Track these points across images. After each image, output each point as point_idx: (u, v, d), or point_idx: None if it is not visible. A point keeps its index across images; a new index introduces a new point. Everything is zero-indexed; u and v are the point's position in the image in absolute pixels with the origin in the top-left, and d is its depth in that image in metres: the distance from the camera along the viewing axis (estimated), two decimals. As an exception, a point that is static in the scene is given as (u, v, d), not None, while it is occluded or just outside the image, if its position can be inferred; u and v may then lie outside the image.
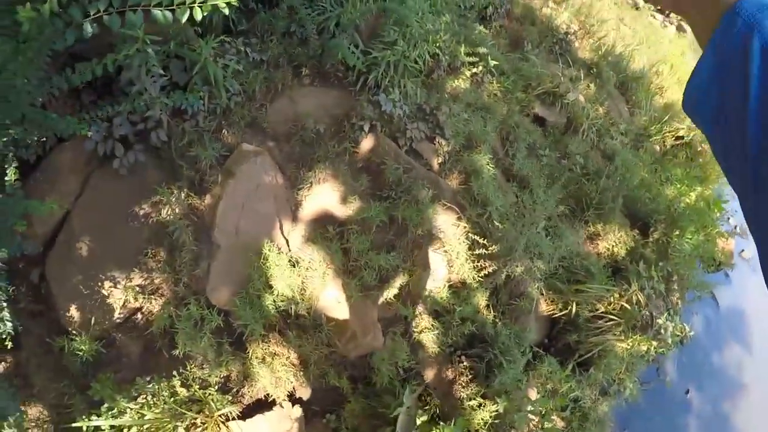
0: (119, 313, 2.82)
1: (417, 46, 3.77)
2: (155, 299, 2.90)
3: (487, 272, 3.37)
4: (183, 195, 2.96)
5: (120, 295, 2.79)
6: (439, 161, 3.67)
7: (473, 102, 4.18)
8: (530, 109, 4.77)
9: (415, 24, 3.84)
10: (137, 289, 2.84)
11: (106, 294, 2.78)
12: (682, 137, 6.44)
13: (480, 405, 3.10)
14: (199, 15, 2.09)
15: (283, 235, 3.22)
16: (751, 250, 7.73)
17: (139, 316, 2.95)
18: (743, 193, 0.62)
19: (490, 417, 3.01)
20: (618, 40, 7.14)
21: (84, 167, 2.92)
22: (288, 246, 3.20)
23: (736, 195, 0.65)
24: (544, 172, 4.31)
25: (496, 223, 3.46)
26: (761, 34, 0.57)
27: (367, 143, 3.45)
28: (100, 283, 2.79)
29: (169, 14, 2.10)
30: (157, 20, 2.08)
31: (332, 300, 3.10)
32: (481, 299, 3.40)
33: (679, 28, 8.80)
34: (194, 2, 2.09)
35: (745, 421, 5.65)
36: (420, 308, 3.30)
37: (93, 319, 2.74)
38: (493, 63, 4.42)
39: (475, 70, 4.44)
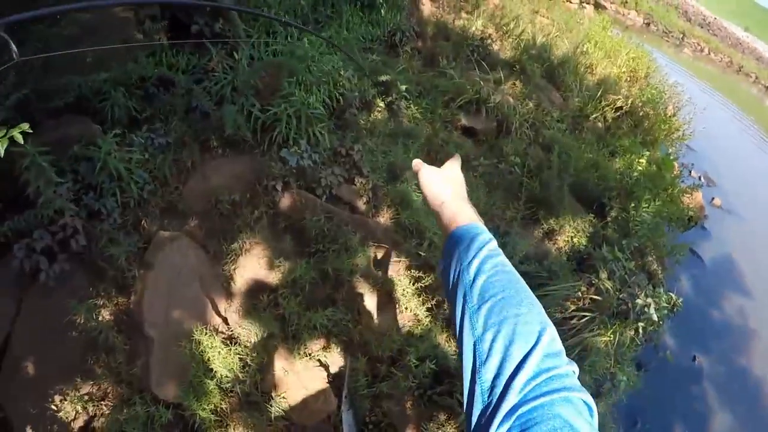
0: (72, 427, 2.67)
1: (314, 91, 3.71)
2: (105, 405, 2.75)
3: (437, 302, 3.21)
4: (109, 296, 2.88)
5: (70, 408, 2.66)
6: (364, 201, 3.55)
7: (392, 131, 4.10)
8: (456, 122, 4.71)
9: (309, 71, 3.79)
10: (86, 398, 2.71)
11: (57, 409, 2.65)
12: (621, 107, 6.42)
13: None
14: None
15: (219, 314, 3.07)
16: (721, 196, 7.65)
17: (94, 424, 2.80)
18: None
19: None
20: (537, 32, 7.21)
21: (14, 286, 2.84)
22: (227, 324, 3.06)
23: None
24: (481, 182, 4.20)
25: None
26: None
27: (284, 202, 3.34)
28: (50, 399, 2.66)
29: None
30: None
31: (278, 371, 2.93)
32: (438, 332, 3.23)
33: (597, 6, 8.92)
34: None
35: (763, 366, 5.41)
36: (375, 356, 3.12)
37: (50, 437, 2.60)
38: (403, 87, 4.37)
39: (388, 99, 4.39)
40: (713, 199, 7.48)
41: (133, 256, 2.99)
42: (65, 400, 2.66)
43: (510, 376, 0.63)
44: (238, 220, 3.27)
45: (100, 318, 2.81)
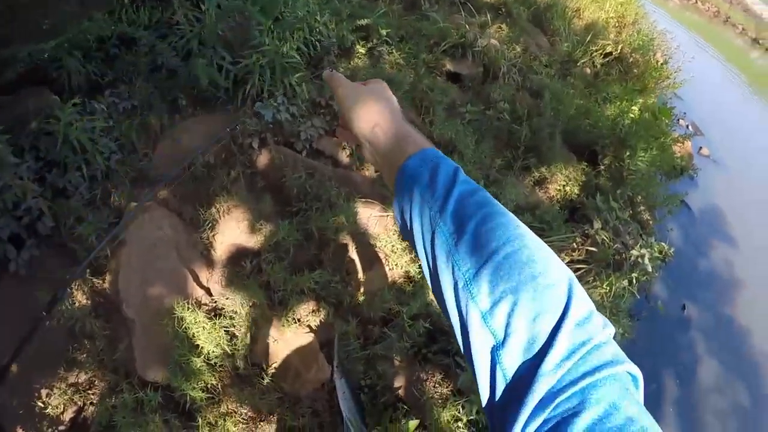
0: (63, 420, 2.56)
1: (288, 38, 3.40)
2: (92, 394, 2.64)
3: (429, 257, 3.03)
4: (83, 279, 2.70)
5: (58, 401, 2.55)
6: (347, 154, 3.32)
7: (374, 78, 3.82)
8: (441, 67, 4.44)
9: (281, 17, 3.48)
10: (72, 389, 2.60)
11: (45, 405, 2.54)
12: (610, 53, 6.17)
13: (449, 401, 2.81)
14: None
15: (200, 285, 2.88)
16: (708, 146, 7.58)
17: (84, 414, 2.65)
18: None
19: (460, 414, 2.73)
20: (522, -27, 6.82)
21: (-15, 281, 2.65)
22: (210, 295, 2.87)
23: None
24: (469, 130, 3.98)
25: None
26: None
27: (261, 160, 3.10)
28: (36, 395, 2.56)
29: None
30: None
31: (267, 341, 2.76)
32: (430, 289, 3.07)
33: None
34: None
35: (748, 315, 5.48)
36: (366, 318, 2.97)
37: (41, 435, 2.49)
38: (384, 32, 4.07)
39: (369, 44, 4.09)
40: (701, 148, 7.41)
41: (105, 233, 2.78)
42: (52, 394, 2.56)
43: (537, 358, 0.49)
44: (214, 183, 3.05)
45: (77, 304, 2.66)
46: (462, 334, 0.57)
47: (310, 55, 3.71)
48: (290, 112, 3.20)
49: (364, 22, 3.99)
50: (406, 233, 0.68)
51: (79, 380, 2.62)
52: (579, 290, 0.53)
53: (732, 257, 6.01)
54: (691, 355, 4.79)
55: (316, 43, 3.71)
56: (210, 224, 2.97)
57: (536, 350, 0.49)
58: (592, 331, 0.50)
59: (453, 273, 0.57)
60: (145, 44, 3.37)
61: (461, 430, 2.85)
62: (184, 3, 3.57)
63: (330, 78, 0.79)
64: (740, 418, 4.59)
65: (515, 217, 0.59)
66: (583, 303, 0.52)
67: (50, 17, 3.09)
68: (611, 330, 0.52)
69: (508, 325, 0.51)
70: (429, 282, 0.64)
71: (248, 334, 2.75)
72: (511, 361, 0.50)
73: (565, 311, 0.50)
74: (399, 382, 3.00)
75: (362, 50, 4.00)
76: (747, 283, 5.86)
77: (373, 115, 0.72)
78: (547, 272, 0.53)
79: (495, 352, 0.52)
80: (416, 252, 0.66)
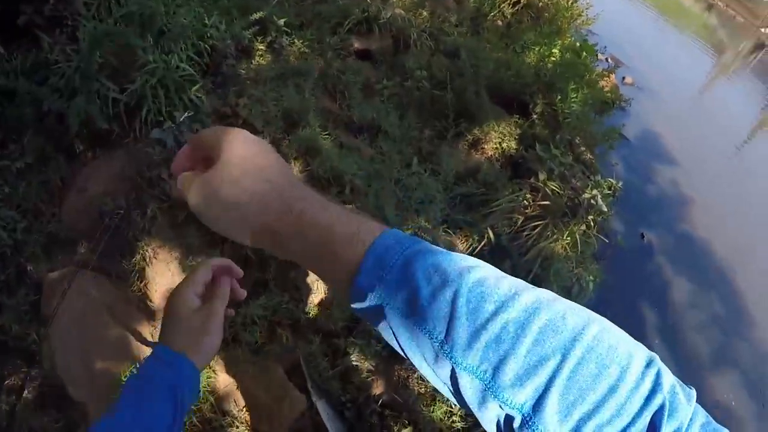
0: None
1: (174, 50, 3.07)
2: None
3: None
4: (19, 373, 2.40)
5: None
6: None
7: (280, 74, 3.54)
8: (348, 47, 4.18)
9: (165, 29, 3.14)
10: None
11: None
12: (518, 1, 6.08)
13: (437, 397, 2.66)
14: None
15: (146, 343, 2.58)
16: (630, 74, 7.71)
17: None
18: None
19: (452, 407, 2.62)
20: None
21: None
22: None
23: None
24: (390, 106, 3.78)
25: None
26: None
27: (176, 191, 2.76)
28: None
29: None
30: None
31: (230, 384, 2.51)
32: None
33: None
34: None
35: (704, 227, 5.60)
36: (328, 331, 2.74)
37: None
38: (281, 22, 3.77)
39: (268, 38, 3.78)
40: (624, 78, 7.51)
41: (28, 316, 2.50)
42: None
43: None
44: (132, 228, 2.73)
45: (22, 401, 2.33)
46: None
47: (205, 63, 3.38)
48: (194, 130, 2.88)
49: (257, 15, 3.66)
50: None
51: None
52: (663, 370, 0.42)
53: (676, 177, 6.15)
54: (660, 278, 4.86)
55: (209, 48, 3.38)
56: (137, 274, 2.68)
57: None
58: (683, 413, 0.40)
59: (500, 407, 0.43)
60: (26, 93, 2.96)
61: (458, 423, 2.69)
62: (60, 39, 3.17)
63: (181, 182, 0.58)
64: (720, 326, 4.70)
65: (544, 295, 0.46)
66: (668, 382, 0.42)
67: None
68: (694, 395, 0.43)
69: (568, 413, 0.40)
70: (450, 397, 0.49)
71: (209, 383, 2.49)
72: None
73: (659, 416, 0.40)
74: (379, 389, 2.80)
75: (262, 46, 3.70)
76: (695, 198, 6.01)
77: (258, 217, 0.50)
78: (626, 374, 0.41)
79: None
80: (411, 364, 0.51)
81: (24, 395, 2.36)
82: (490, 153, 3.99)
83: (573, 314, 0.44)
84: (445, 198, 3.34)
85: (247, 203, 0.50)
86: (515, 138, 4.13)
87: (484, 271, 0.46)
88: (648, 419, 0.39)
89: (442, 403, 2.65)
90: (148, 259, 2.70)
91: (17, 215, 2.62)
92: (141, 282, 2.68)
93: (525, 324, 0.42)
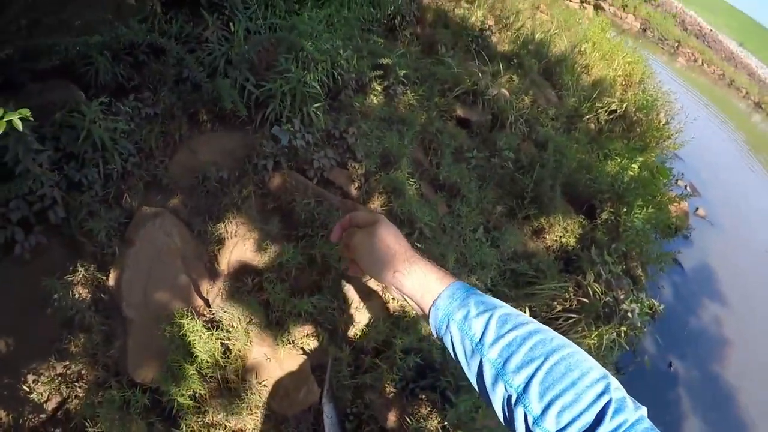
0: (45, 409, 2.55)
1: (312, 69, 3.57)
2: (79, 387, 2.63)
3: (425, 294, 3.12)
4: (88, 272, 2.71)
5: (43, 388, 2.54)
6: (356, 186, 3.44)
7: (387, 116, 3.98)
8: (452, 112, 4.61)
9: (308, 47, 3.65)
10: (59, 379, 2.58)
11: (30, 390, 2.53)
12: (615, 111, 6.40)
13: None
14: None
15: (201, 296, 2.94)
16: (705, 207, 7.73)
17: (67, 406, 2.66)
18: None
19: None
20: (536, 28, 7.13)
21: (-12, 260, 2.67)
22: (209, 307, 2.93)
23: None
24: (474, 175, 4.12)
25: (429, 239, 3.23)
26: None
27: (273, 182, 3.21)
28: (23, 380, 2.55)
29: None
30: None
31: (260, 358, 2.82)
32: (424, 325, 3.16)
33: (597, 7, 8.88)
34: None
35: (736, 375, 5.51)
36: (359, 347, 3.04)
37: (21, 420, 2.47)
38: (402, 72, 4.25)
39: (385, 83, 4.27)
40: (697, 209, 7.56)
41: (114, 232, 2.84)
42: (38, 380, 2.54)
43: None
44: (225, 199, 3.12)
45: (77, 296, 2.66)
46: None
47: (329, 87, 3.87)
48: (306, 140, 3.33)
49: (384, 61, 4.17)
50: (446, 346, 0.83)
51: (68, 371, 2.61)
52: (614, 383, 0.67)
53: (722, 317, 6.09)
54: (677, 410, 4.82)
55: (338, 76, 3.88)
56: (217, 238, 3.03)
57: None
58: (628, 414, 0.63)
59: (505, 388, 0.71)
60: (174, 56, 3.45)
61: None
62: (216, 22, 3.73)
63: (345, 226, 1.02)
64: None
65: (544, 328, 0.75)
66: (618, 392, 0.66)
67: (85, 16, 3.19)
68: (643, 410, 0.66)
69: (557, 423, 0.65)
70: (475, 385, 0.78)
71: (242, 349, 2.78)
72: None
73: (605, 408, 0.64)
74: (384, 413, 3.03)
75: (378, 88, 4.17)
76: (736, 343, 5.92)
77: (390, 263, 0.85)
78: (585, 377, 0.67)
79: None
80: (456, 361, 0.80)
81: (79, 290, 2.68)
82: (549, 243, 4.26)
83: (559, 338, 0.73)
84: (497, 268, 3.62)
85: (391, 255, 0.86)
86: (576, 236, 4.38)
87: (511, 308, 0.80)
88: (597, 410, 0.63)
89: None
90: (229, 230, 3.05)
91: (133, 149, 2.99)
92: (217, 245, 3.02)
93: (526, 338, 0.72)
